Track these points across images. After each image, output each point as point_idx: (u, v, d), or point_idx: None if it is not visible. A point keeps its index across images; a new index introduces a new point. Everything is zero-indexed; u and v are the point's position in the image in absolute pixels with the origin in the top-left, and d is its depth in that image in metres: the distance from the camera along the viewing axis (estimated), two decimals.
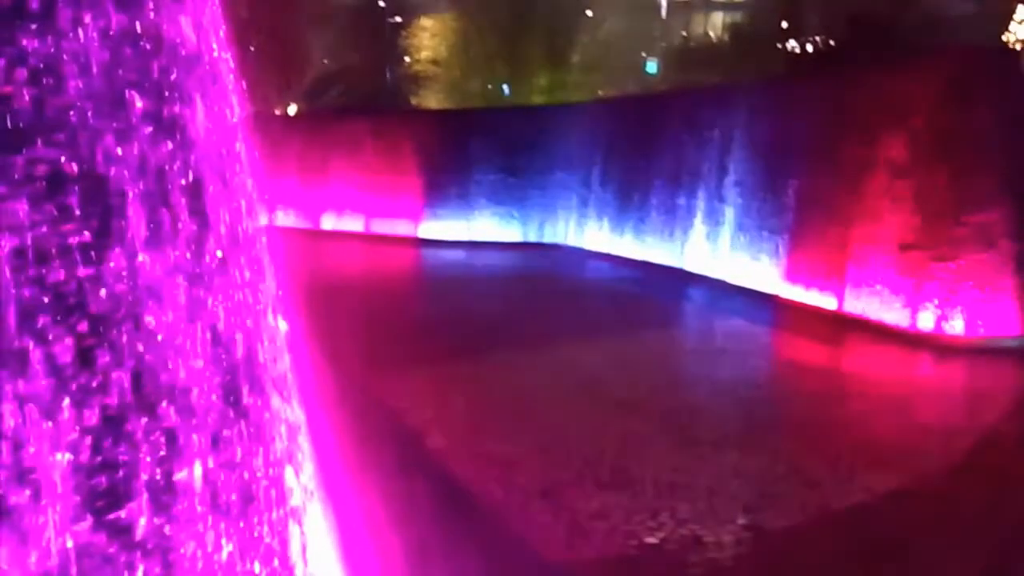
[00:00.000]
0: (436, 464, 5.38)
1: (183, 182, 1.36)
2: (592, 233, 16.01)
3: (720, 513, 4.55)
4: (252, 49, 29.62)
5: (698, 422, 6.26)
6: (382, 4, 32.01)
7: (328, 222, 20.14)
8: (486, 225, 17.86)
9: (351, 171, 19.59)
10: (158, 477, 1.23)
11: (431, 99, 28.23)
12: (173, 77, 1.38)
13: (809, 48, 29.95)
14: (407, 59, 29.92)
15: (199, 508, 1.28)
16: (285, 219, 20.87)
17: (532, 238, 17.61)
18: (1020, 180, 9.11)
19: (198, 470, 1.29)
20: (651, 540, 4.21)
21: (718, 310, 10.93)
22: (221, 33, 1.62)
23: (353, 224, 19.65)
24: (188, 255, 1.33)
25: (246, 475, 1.41)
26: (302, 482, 1.83)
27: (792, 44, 30.26)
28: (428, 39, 28.79)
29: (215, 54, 1.57)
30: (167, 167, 1.32)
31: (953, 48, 12.09)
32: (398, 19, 31.67)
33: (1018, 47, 24.27)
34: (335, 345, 8.82)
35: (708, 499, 4.75)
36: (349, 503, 4.37)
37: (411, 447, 5.75)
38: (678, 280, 12.75)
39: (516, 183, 17.57)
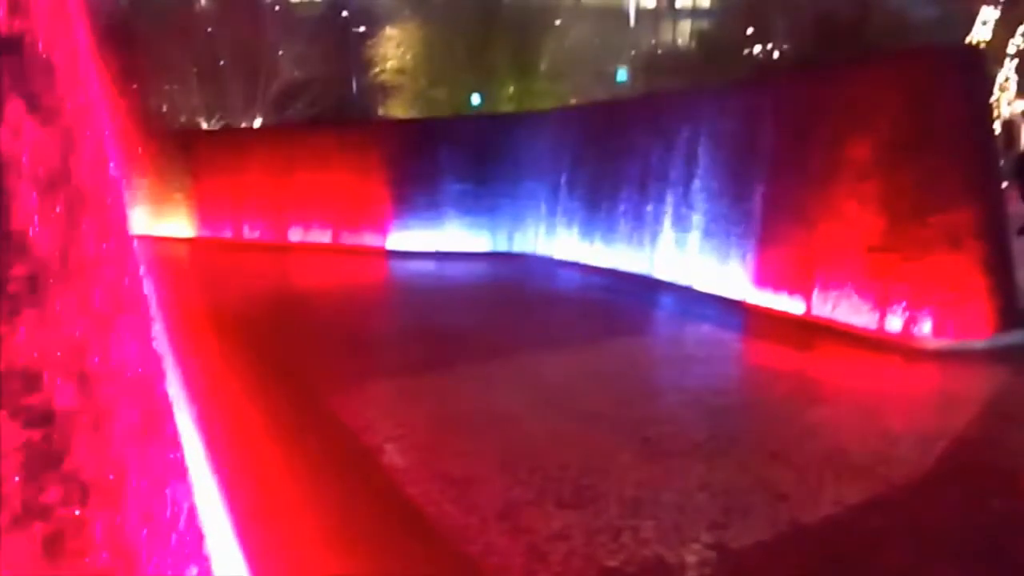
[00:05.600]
0: (390, 484, 5.16)
1: None
2: (562, 241, 15.85)
3: (684, 531, 4.36)
4: (221, 63, 29.37)
5: (665, 433, 6.08)
6: (346, 14, 31.79)
7: (295, 235, 19.85)
8: (455, 235, 17.67)
9: (317, 183, 19.32)
10: None
11: (398, 109, 28.07)
12: None
13: (776, 53, 30.15)
14: (373, 69, 29.70)
15: None
16: (251, 233, 20.56)
17: (502, 247, 17.43)
18: (987, 180, 9.05)
19: None
20: (611, 563, 4.01)
21: (687, 317, 10.78)
22: (66, 17, 1.40)
23: (320, 237, 19.39)
24: None
25: (68, 555, 1.14)
26: (172, 550, 1.59)
27: (759, 49, 30.45)
28: (394, 48, 28.61)
29: (50, 40, 1.34)
30: None
31: (918, 49, 12.08)
32: (363, 29, 31.47)
33: (982, 47, 24.51)
34: (293, 360, 8.62)
35: (673, 516, 4.56)
36: (283, 533, 4.13)
37: (365, 466, 5.52)
38: (647, 287, 12.61)
39: (485, 192, 17.40)
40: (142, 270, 2.13)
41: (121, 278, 1.48)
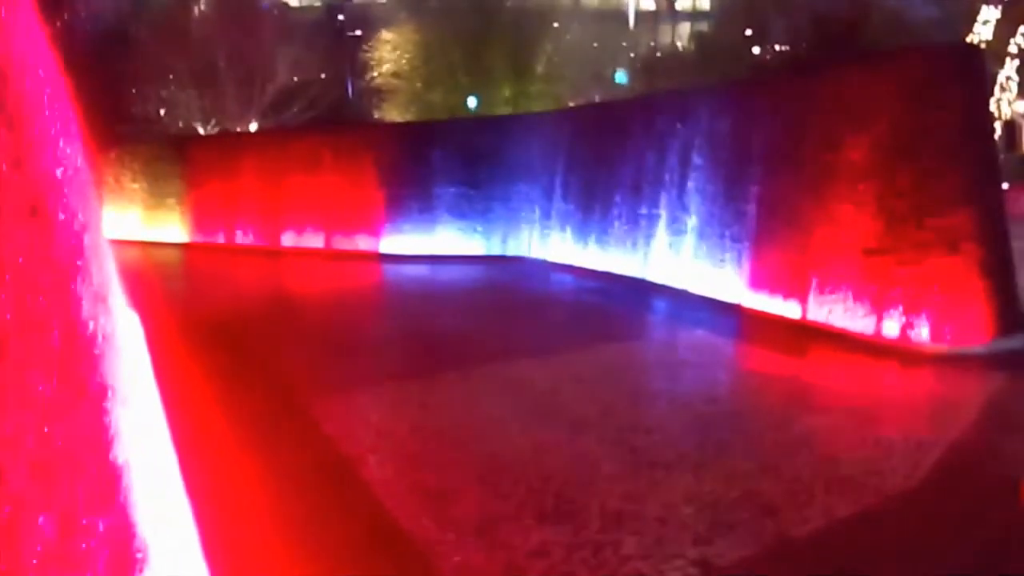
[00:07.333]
0: (367, 496, 4.98)
1: None
2: (555, 245, 15.69)
3: (668, 547, 4.18)
4: (220, 66, 29.21)
5: (652, 442, 5.91)
6: (342, 18, 31.65)
7: (288, 240, 19.70)
8: (449, 239, 17.51)
9: (311, 187, 19.17)
10: None
11: (394, 112, 27.91)
12: None
13: (774, 55, 29.98)
14: (369, 72, 29.54)
15: None
16: (244, 238, 20.42)
17: (495, 251, 17.27)
18: (986, 182, 8.88)
19: None
20: None
21: (680, 321, 10.61)
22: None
23: (313, 241, 19.23)
24: None
25: None
26: None
27: (757, 51, 30.30)
28: (389, 52, 28.46)
29: None
30: None
31: (916, 49, 11.90)
32: (359, 33, 31.33)
33: (982, 46, 24.33)
34: (278, 367, 8.44)
35: (657, 531, 4.38)
36: (250, 546, 3.96)
37: (343, 477, 5.35)
38: (641, 291, 12.44)
39: (478, 195, 17.25)
40: (80, 283, 1.95)
41: (48, 294, 1.31)
